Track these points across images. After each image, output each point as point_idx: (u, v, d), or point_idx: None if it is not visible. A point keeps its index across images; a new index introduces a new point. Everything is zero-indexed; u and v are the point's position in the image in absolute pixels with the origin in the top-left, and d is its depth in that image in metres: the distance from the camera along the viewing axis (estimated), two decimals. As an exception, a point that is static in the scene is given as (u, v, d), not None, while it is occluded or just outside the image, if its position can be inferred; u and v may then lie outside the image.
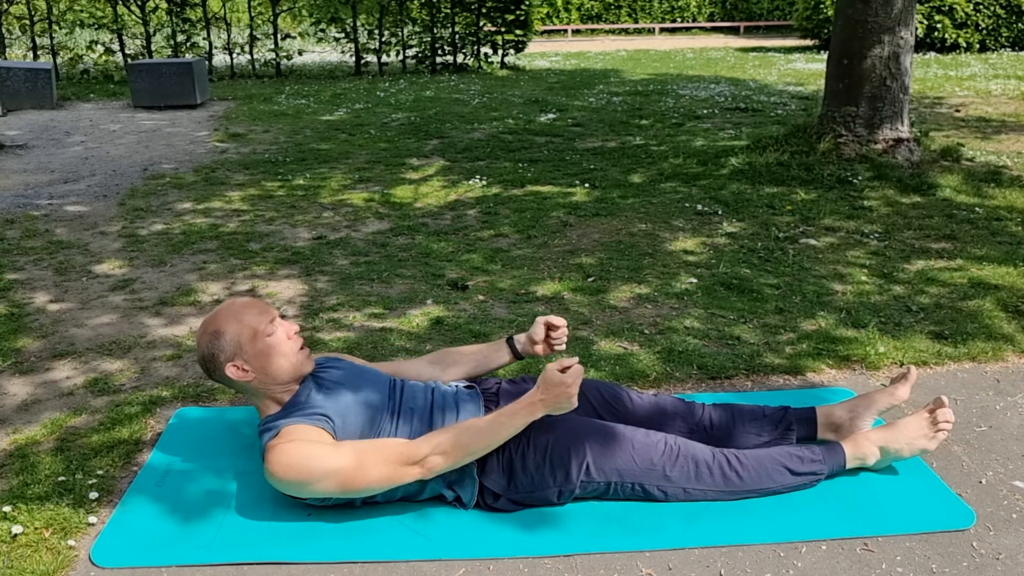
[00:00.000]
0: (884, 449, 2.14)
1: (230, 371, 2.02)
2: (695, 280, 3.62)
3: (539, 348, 2.34)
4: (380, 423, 2.04)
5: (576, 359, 1.97)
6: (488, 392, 2.21)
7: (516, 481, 2.01)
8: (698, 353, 2.90)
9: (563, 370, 1.95)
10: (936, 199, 4.86)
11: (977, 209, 4.64)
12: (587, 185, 5.38)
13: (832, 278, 3.63)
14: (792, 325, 3.14)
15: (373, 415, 2.04)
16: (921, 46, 13.96)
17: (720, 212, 4.69)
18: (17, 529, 1.97)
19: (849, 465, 2.14)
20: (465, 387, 2.24)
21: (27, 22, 12.09)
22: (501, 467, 2.02)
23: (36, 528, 1.99)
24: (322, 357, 2.25)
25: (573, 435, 2.04)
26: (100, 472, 2.23)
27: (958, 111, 8.15)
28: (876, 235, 4.24)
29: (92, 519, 2.03)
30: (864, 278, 3.63)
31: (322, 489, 1.91)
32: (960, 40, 14.03)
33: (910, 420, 2.17)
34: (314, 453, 1.89)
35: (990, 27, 14.15)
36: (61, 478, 2.20)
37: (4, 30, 12.41)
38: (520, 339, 2.37)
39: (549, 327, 2.32)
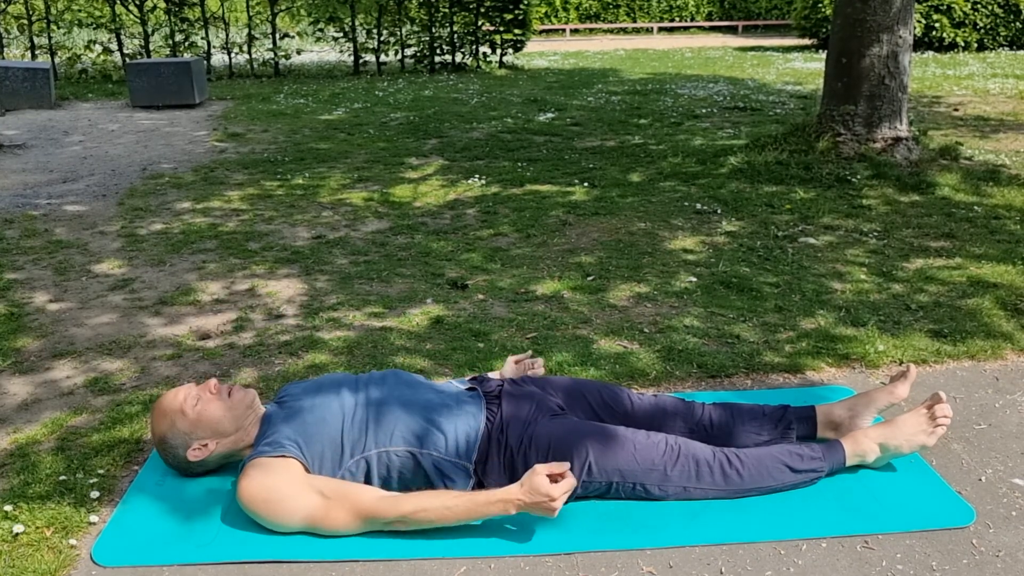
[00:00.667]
0: (883, 446, 2.14)
1: (195, 455, 2.08)
2: (694, 279, 3.63)
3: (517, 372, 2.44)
4: (350, 424, 2.03)
5: (567, 465, 1.90)
6: (490, 395, 2.21)
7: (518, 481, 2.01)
8: (698, 352, 2.91)
9: (553, 479, 1.89)
10: (935, 198, 4.87)
11: (976, 208, 4.65)
12: (586, 184, 5.38)
13: (831, 277, 3.64)
14: (791, 324, 3.15)
15: (336, 420, 2.04)
16: (919, 45, 13.98)
17: (719, 211, 4.69)
18: (18, 528, 1.97)
19: (849, 462, 2.15)
20: (467, 389, 2.24)
21: (25, 22, 12.08)
22: (503, 466, 2.03)
23: (37, 527, 1.99)
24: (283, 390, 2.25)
25: (575, 435, 2.04)
26: (101, 471, 2.23)
27: (956, 110, 8.15)
28: (875, 234, 4.24)
29: (93, 518, 2.03)
30: (863, 276, 3.64)
31: (290, 528, 1.94)
32: (958, 39, 14.04)
33: (908, 417, 2.18)
34: (281, 498, 1.91)
35: (988, 26, 14.16)
36: (62, 477, 2.20)
37: (2, 30, 12.40)
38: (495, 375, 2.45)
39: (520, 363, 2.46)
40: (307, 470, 1.98)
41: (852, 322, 3.14)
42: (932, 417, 2.16)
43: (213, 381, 2.13)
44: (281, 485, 1.92)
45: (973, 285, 3.50)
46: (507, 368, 2.47)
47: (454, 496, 1.94)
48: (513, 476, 2.01)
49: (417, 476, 2.03)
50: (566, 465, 1.91)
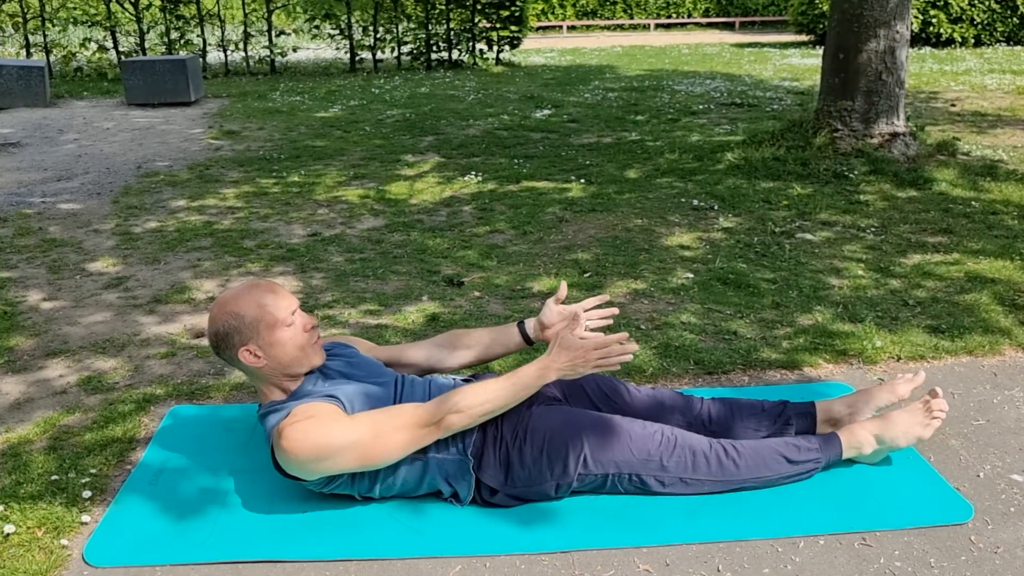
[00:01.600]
0: (879, 438, 2.13)
1: (243, 355, 2.00)
2: (691, 275, 3.61)
3: (549, 333, 2.25)
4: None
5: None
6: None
7: (513, 475, 2.00)
8: (695, 348, 2.89)
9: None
10: (932, 193, 4.85)
11: (973, 203, 4.64)
12: (583, 181, 5.36)
13: (828, 272, 3.63)
14: (789, 320, 3.13)
15: (375, 407, 2.03)
16: (916, 41, 13.97)
17: (716, 207, 4.68)
18: (9, 528, 1.95)
19: (845, 454, 2.14)
20: (463, 380, 2.23)
21: (20, 19, 12.03)
22: (498, 462, 2.01)
23: (29, 527, 1.97)
24: (329, 343, 2.24)
25: (570, 428, 2.03)
26: (93, 471, 2.21)
27: (953, 105, 8.15)
28: (872, 229, 4.23)
29: (85, 518, 2.01)
30: (860, 272, 3.63)
31: (341, 464, 1.89)
32: (955, 35, 14.04)
33: (904, 410, 2.17)
34: (331, 428, 1.88)
35: (985, 22, 14.16)
36: (54, 477, 2.18)
37: (-3, 28, 12.37)
38: (530, 324, 2.30)
39: (570, 314, 2.22)
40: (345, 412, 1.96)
41: (849, 318, 3.13)
42: (928, 411, 2.15)
43: (314, 322, 2.07)
44: (326, 422, 1.89)
45: (971, 281, 3.49)
46: (547, 312, 2.26)
47: (491, 381, 1.96)
48: (509, 470, 2.00)
49: (421, 477, 2.01)
50: (615, 338, 1.93)
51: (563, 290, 2.24)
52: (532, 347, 2.37)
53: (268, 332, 1.99)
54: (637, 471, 2.03)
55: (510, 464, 2.01)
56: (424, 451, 2.00)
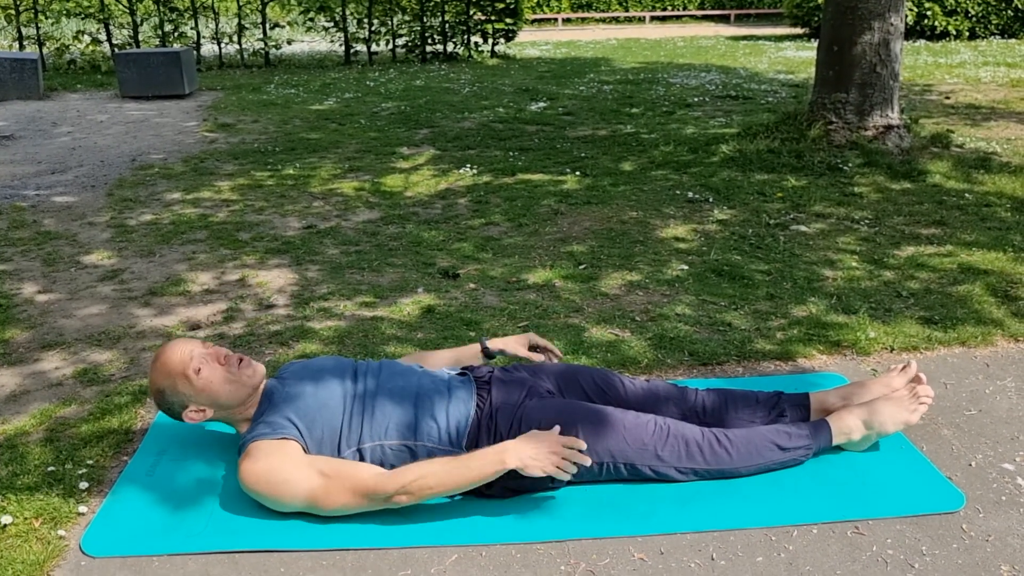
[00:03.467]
0: (867, 423, 2.15)
1: (191, 417, 2.07)
2: (686, 267, 3.62)
3: (514, 351, 2.38)
4: (348, 408, 2.04)
5: (583, 445, 1.93)
6: (480, 380, 2.21)
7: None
8: (689, 339, 2.90)
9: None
10: (926, 185, 4.87)
11: (967, 195, 4.65)
12: (578, 173, 5.37)
13: (822, 264, 3.64)
14: (783, 311, 3.15)
15: (339, 403, 2.04)
16: (911, 34, 13.97)
17: (711, 199, 4.69)
18: (7, 520, 1.96)
19: (836, 441, 2.16)
20: (458, 374, 2.24)
21: (12, 12, 11.97)
22: None
23: (26, 518, 1.98)
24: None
25: (564, 418, 2.04)
26: (90, 462, 2.22)
27: (948, 98, 8.16)
28: (866, 221, 4.24)
29: (82, 509, 2.02)
30: (854, 264, 3.64)
31: (293, 506, 1.94)
32: (950, 28, 14.05)
33: (890, 396, 2.19)
34: (284, 479, 1.91)
35: (980, 14, 14.17)
36: (51, 468, 2.19)
37: (-11, 20, 12.30)
38: (495, 342, 2.41)
39: (534, 346, 2.41)
40: (306, 452, 1.98)
41: (843, 309, 3.14)
42: (914, 396, 2.18)
43: (223, 351, 2.09)
44: (282, 466, 1.92)
45: (964, 272, 3.51)
46: (513, 344, 2.39)
47: (449, 460, 1.94)
48: None
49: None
50: (582, 444, 1.93)
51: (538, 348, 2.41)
52: (491, 359, 2.43)
53: (190, 387, 2.03)
54: (631, 460, 2.04)
55: None
56: (415, 441, 2.01)
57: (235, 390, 2.06)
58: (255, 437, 1.98)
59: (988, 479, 2.11)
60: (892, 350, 2.83)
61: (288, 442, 1.96)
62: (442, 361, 2.41)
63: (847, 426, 2.16)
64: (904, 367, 2.32)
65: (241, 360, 2.08)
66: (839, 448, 2.19)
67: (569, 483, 2.07)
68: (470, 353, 2.44)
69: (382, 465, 2.02)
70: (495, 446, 1.94)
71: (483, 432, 2.05)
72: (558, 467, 1.89)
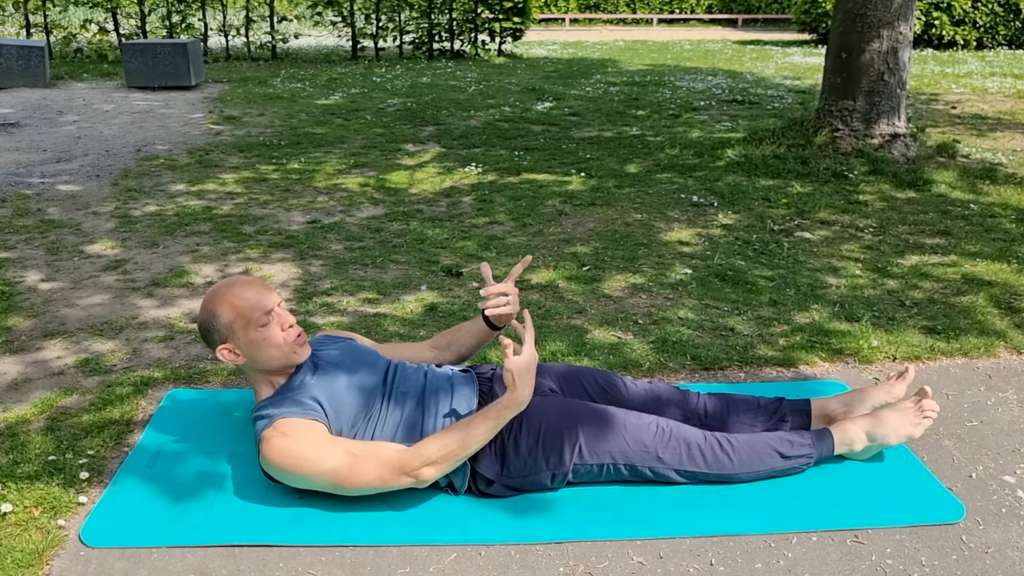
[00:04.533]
0: (871, 435, 2.15)
1: (221, 354, 2.03)
2: (689, 271, 3.62)
3: (496, 307, 2.20)
4: (372, 407, 2.04)
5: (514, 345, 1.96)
6: (483, 376, 2.21)
7: (509, 466, 2.01)
8: (692, 343, 2.90)
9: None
10: (931, 195, 4.87)
11: (972, 205, 4.65)
12: (583, 174, 5.36)
13: (826, 271, 3.64)
14: (786, 317, 3.15)
15: (366, 400, 2.04)
16: (918, 43, 13.96)
17: (715, 204, 4.68)
18: (6, 508, 1.96)
19: (837, 451, 2.16)
20: (461, 371, 2.24)
21: (20, -1, 11.98)
22: (494, 453, 2.02)
23: (26, 507, 1.98)
24: (322, 336, 2.25)
25: (566, 418, 2.04)
26: (91, 452, 2.22)
27: (954, 108, 8.15)
28: (871, 229, 4.24)
29: (82, 499, 2.02)
30: (858, 272, 3.64)
31: (315, 484, 1.94)
32: (957, 37, 14.04)
33: (895, 409, 2.19)
34: (308, 454, 1.90)
35: (987, 25, 14.16)
36: (51, 457, 2.19)
37: (-3, 7, 12.30)
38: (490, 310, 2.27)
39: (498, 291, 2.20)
40: (330, 432, 1.98)
41: (846, 317, 3.14)
42: (919, 410, 2.17)
43: (291, 319, 2.04)
44: (309, 442, 1.91)
45: (967, 283, 3.50)
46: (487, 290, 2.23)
47: (466, 422, 1.95)
48: (505, 461, 2.01)
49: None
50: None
51: (486, 271, 2.24)
52: (498, 330, 2.35)
53: (243, 332, 2.00)
54: (632, 461, 2.04)
55: (506, 454, 2.02)
56: (420, 437, 2.02)
57: (278, 358, 2.02)
58: (284, 414, 1.96)
59: (988, 491, 2.11)
60: (894, 359, 2.83)
61: (316, 424, 1.96)
62: (452, 334, 2.38)
63: (850, 436, 2.16)
64: (902, 373, 2.32)
65: (299, 335, 2.05)
66: (841, 457, 2.19)
67: (569, 484, 2.07)
68: (474, 324, 2.36)
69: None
70: (504, 401, 1.95)
71: None
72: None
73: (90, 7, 12.43)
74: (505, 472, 2.02)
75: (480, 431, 1.94)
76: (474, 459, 2.02)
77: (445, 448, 1.92)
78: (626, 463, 2.04)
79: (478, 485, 2.04)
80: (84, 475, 2.11)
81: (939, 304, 3.28)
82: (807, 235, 4.14)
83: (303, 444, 1.91)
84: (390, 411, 2.05)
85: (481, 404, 2.10)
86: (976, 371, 2.77)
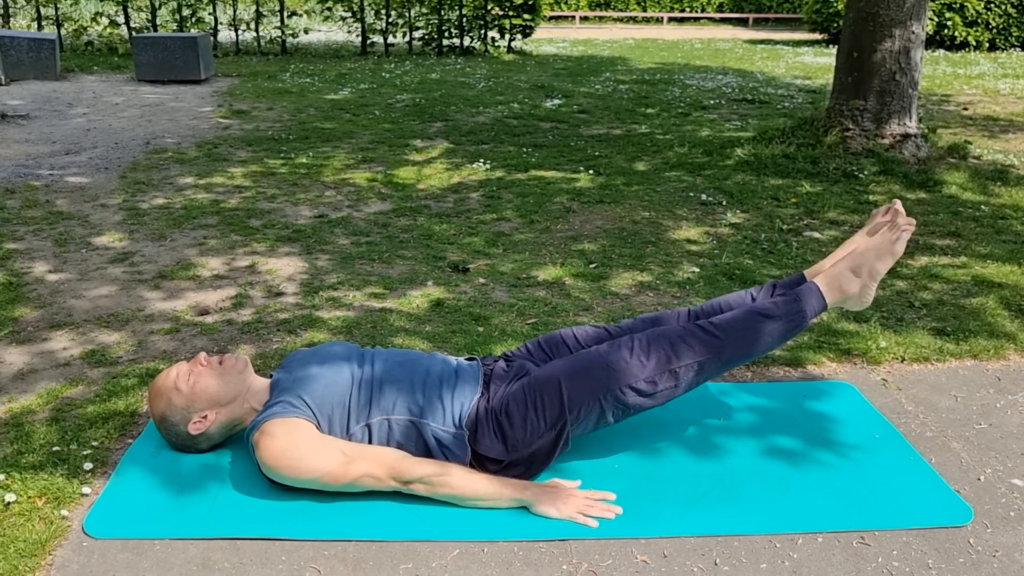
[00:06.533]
0: (855, 269, 2.07)
1: (195, 429, 2.08)
2: (697, 269, 3.61)
3: None
4: (356, 390, 2.04)
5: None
6: (486, 368, 2.20)
7: (511, 441, 2.00)
8: (699, 342, 2.88)
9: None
10: (942, 196, 4.83)
11: (982, 207, 4.62)
12: (591, 172, 5.35)
13: (835, 272, 3.61)
14: (794, 317, 3.12)
15: (346, 384, 2.05)
16: (930, 43, 13.89)
17: (724, 202, 4.66)
18: (10, 497, 1.96)
19: (829, 298, 2.07)
20: (467, 359, 2.24)
21: (32, -8, 12.01)
22: (492, 433, 2.01)
23: (29, 497, 1.98)
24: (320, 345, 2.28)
25: (544, 374, 2.04)
26: (95, 443, 2.22)
27: (966, 109, 8.10)
28: (880, 230, 4.21)
29: (86, 489, 2.02)
30: (867, 272, 3.61)
31: (306, 482, 1.94)
32: (970, 38, 13.95)
33: (869, 235, 2.11)
34: (301, 454, 1.91)
35: (1000, 26, 14.07)
36: (55, 448, 2.19)
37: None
38: None
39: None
40: (319, 430, 1.98)
41: (855, 317, 3.12)
42: (894, 226, 2.10)
43: (202, 354, 2.13)
44: (300, 442, 1.92)
45: (977, 284, 3.48)
46: None
47: (475, 473, 1.97)
48: (505, 437, 2.00)
49: (417, 445, 2.02)
50: (611, 495, 1.99)
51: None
52: None
53: (183, 399, 2.06)
54: (625, 383, 1.99)
55: (503, 430, 2.01)
56: (420, 419, 2.01)
57: (226, 382, 2.08)
58: (268, 416, 1.97)
59: (997, 494, 2.09)
60: (903, 360, 2.81)
61: (301, 421, 1.96)
62: None
63: (836, 280, 2.07)
64: (887, 209, 2.20)
65: (221, 358, 2.13)
66: (845, 312, 2.11)
67: (575, 457, 2.04)
68: None
69: (388, 440, 2.02)
70: (523, 482, 1.98)
71: (482, 414, 2.04)
72: (583, 513, 1.94)
73: (101, 0, 12.45)
74: (510, 448, 2.00)
75: (482, 484, 1.94)
76: (475, 443, 2.01)
77: (445, 477, 1.93)
78: (620, 386, 1.99)
79: (489, 469, 2.02)
80: (88, 466, 2.11)
81: (948, 305, 3.25)
82: (816, 235, 4.12)
83: (296, 445, 1.91)
84: (385, 384, 2.05)
85: (483, 393, 2.09)
86: (985, 373, 2.74)
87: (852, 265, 2.08)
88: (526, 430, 2.00)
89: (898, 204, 2.14)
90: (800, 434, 2.32)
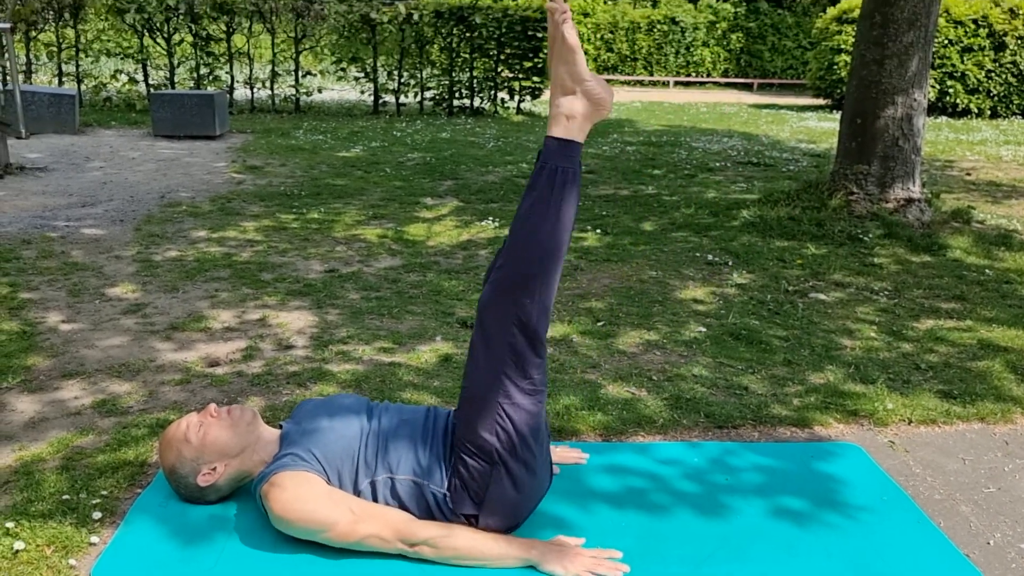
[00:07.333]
0: (562, 89, 1.92)
1: (204, 481, 2.10)
2: (704, 329, 3.63)
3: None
4: (364, 445, 2.05)
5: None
6: None
7: (476, 385, 1.97)
8: (705, 401, 2.90)
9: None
10: (946, 259, 4.88)
11: (987, 271, 4.65)
12: (599, 231, 5.41)
13: (841, 333, 3.64)
14: (800, 378, 3.14)
15: (355, 439, 2.06)
16: (933, 110, 14.10)
17: (730, 263, 4.71)
18: (19, 545, 1.96)
19: (563, 133, 1.93)
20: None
21: (55, 49, 12.34)
22: (462, 405, 2.01)
23: (38, 545, 1.99)
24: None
25: (470, 370, 2.01)
26: (104, 492, 2.23)
27: (969, 175, 8.20)
28: (885, 292, 4.25)
29: (94, 539, 2.02)
30: (873, 334, 3.63)
31: (315, 536, 1.95)
32: (972, 105, 14.17)
33: (553, 60, 1.95)
34: (309, 508, 1.92)
35: (1001, 94, 14.29)
36: (65, 496, 2.19)
37: (31, 56, 12.66)
38: None
39: None
40: (328, 484, 2.00)
41: (861, 379, 3.13)
42: (552, 22, 1.91)
43: (212, 406, 2.15)
44: (309, 495, 1.93)
45: (983, 348, 3.49)
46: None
47: (482, 534, 1.97)
48: (468, 492, 1.99)
49: (419, 505, 2.02)
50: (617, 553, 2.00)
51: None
52: None
53: (192, 452, 2.08)
54: (510, 376, 1.95)
55: (470, 383, 1.99)
56: (424, 480, 2.01)
57: (235, 433, 2.10)
58: (277, 468, 1.98)
59: (1007, 559, 2.08)
60: (910, 422, 2.81)
61: (310, 475, 1.97)
62: None
63: (557, 116, 1.92)
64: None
65: (229, 409, 2.15)
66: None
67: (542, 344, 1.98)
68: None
69: (389, 499, 2.02)
70: (530, 540, 1.99)
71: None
72: (591, 571, 1.94)
73: (121, 58, 12.78)
74: (473, 398, 1.97)
75: (488, 544, 1.95)
76: (455, 504, 2.00)
77: (451, 539, 1.93)
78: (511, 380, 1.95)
79: (479, 445, 1.97)
80: (97, 515, 2.12)
81: (955, 368, 3.26)
82: (822, 296, 4.15)
83: (305, 498, 1.93)
84: (391, 442, 2.05)
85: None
86: (993, 437, 2.74)
87: (559, 91, 1.94)
88: (490, 362, 1.94)
89: (548, 3, 1.93)
90: (807, 495, 2.32)
